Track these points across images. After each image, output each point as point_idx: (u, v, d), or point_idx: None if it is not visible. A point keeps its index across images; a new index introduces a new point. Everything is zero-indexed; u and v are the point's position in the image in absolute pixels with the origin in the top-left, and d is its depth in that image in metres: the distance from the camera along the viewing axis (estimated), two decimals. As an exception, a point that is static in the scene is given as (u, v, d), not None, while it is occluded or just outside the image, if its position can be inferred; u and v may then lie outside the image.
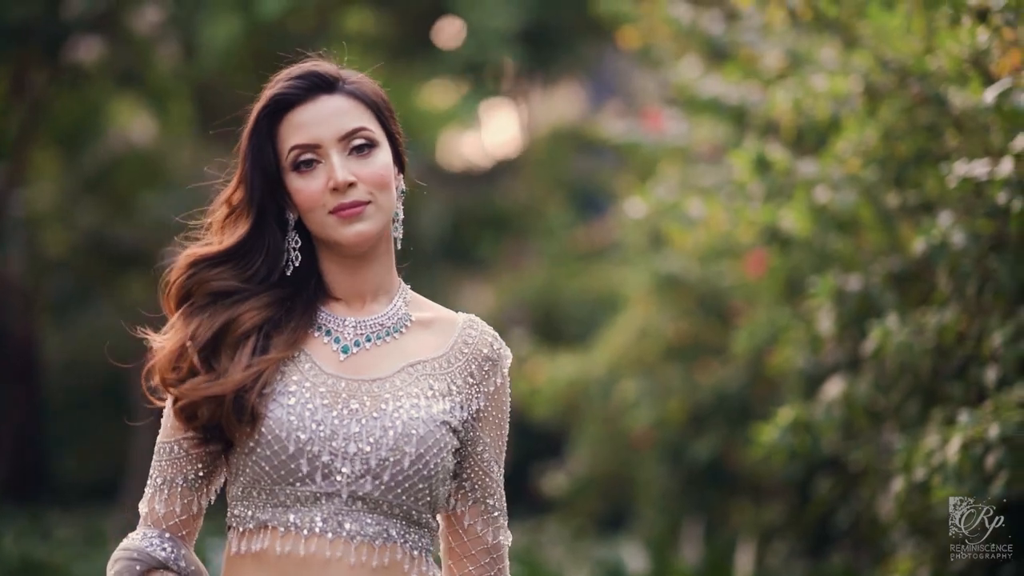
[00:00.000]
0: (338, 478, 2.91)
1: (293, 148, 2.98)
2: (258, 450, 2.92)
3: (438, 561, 3.08)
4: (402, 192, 3.08)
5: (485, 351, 3.06)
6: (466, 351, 3.05)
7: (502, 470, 3.10)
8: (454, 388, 3.01)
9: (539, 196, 14.89)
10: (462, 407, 3.01)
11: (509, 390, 3.11)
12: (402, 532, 2.95)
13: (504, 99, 13.74)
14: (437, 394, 2.99)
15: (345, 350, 3.01)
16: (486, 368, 3.05)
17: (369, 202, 2.98)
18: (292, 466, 2.91)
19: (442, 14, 11.90)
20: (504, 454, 3.10)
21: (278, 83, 3.01)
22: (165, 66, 13.05)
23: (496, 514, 3.08)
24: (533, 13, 12.24)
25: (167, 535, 3.02)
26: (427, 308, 3.11)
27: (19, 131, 13.12)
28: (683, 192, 7.26)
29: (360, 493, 2.91)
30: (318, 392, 2.94)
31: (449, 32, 12.39)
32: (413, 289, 3.13)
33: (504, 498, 3.10)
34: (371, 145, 3.00)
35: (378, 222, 2.99)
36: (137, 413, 12.90)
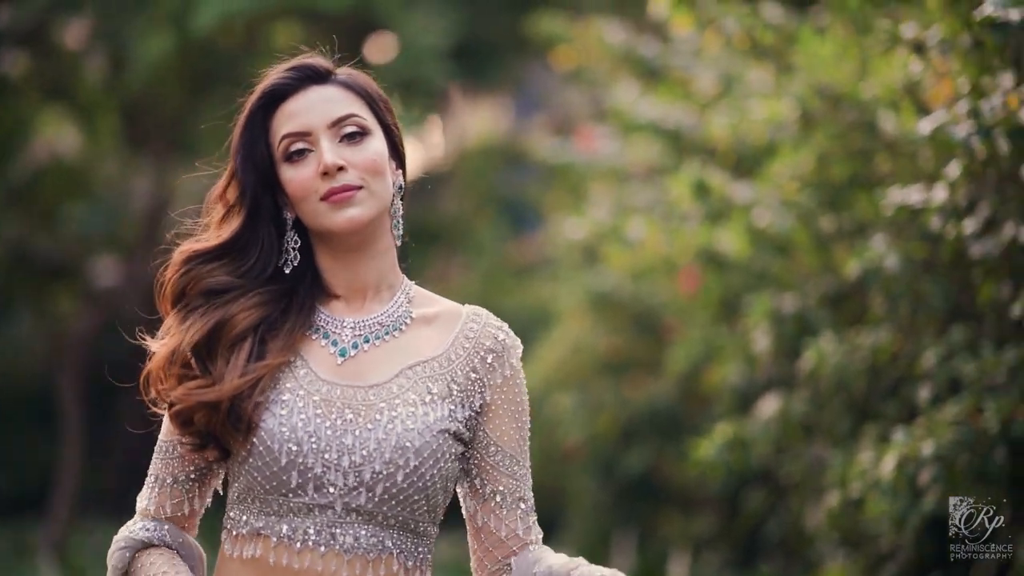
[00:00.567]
0: (331, 490, 2.86)
1: (284, 137, 2.94)
2: (251, 460, 2.88)
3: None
4: (401, 188, 3.03)
5: (488, 343, 2.98)
6: (468, 345, 2.98)
7: (525, 461, 3.01)
8: (454, 387, 2.94)
9: (468, 210, 14.95)
10: (463, 406, 2.94)
11: (523, 380, 3.02)
12: (398, 543, 2.90)
13: (433, 113, 13.78)
14: (436, 398, 2.92)
15: (343, 353, 2.95)
16: (490, 360, 2.97)
17: (361, 187, 2.92)
18: (284, 477, 2.86)
19: (373, 30, 11.95)
20: (526, 445, 3.01)
21: (270, 76, 2.98)
22: (94, 79, 13.01)
23: (509, 509, 2.98)
24: (465, 29, 12.32)
25: (151, 519, 3.00)
26: (432, 303, 3.04)
27: (-57, 143, 13.01)
28: (619, 212, 7.38)
29: (354, 505, 2.86)
30: (312, 401, 2.89)
31: (380, 48, 12.43)
32: None
33: (525, 491, 2.99)
34: (363, 133, 2.95)
35: (370, 208, 2.93)
36: (65, 425, 12.87)
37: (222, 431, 2.88)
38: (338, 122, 2.94)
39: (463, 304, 3.07)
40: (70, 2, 12.13)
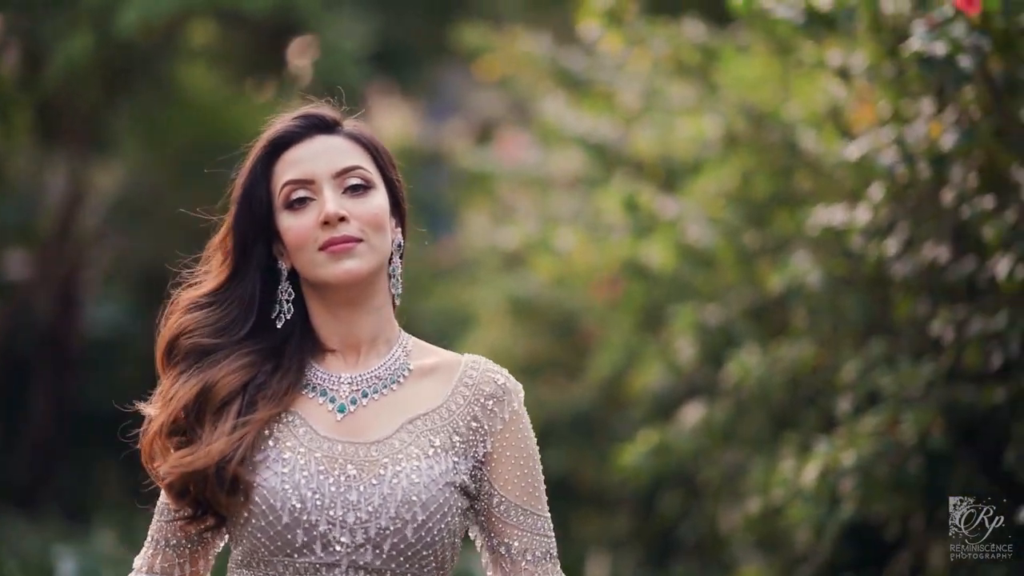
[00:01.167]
0: (337, 548, 2.79)
1: (286, 184, 2.89)
2: (252, 520, 2.81)
3: None
4: (400, 246, 2.97)
5: (487, 389, 2.90)
6: (467, 393, 2.90)
7: (536, 509, 2.90)
8: (456, 439, 2.87)
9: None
10: (466, 457, 2.87)
11: (527, 425, 2.94)
12: None
13: (352, 116, 13.80)
14: (439, 451, 2.85)
15: (341, 409, 2.88)
16: (490, 406, 2.90)
17: (361, 240, 2.85)
18: (288, 536, 2.79)
19: (294, 33, 11.97)
20: (537, 492, 2.91)
21: (277, 124, 2.94)
22: (9, 75, 12.94)
23: (514, 562, 2.89)
24: (385, 34, 12.38)
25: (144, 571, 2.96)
26: (430, 354, 2.96)
27: None
28: (544, 222, 7.51)
29: (361, 563, 2.79)
30: (313, 458, 2.82)
31: (301, 51, 12.44)
32: None
33: (534, 541, 2.89)
34: (367, 186, 2.89)
35: (369, 262, 2.86)
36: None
37: (212, 497, 2.80)
38: (343, 173, 2.90)
39: (462, 354, 2.98)
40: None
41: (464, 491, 2.88)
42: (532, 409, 9.09)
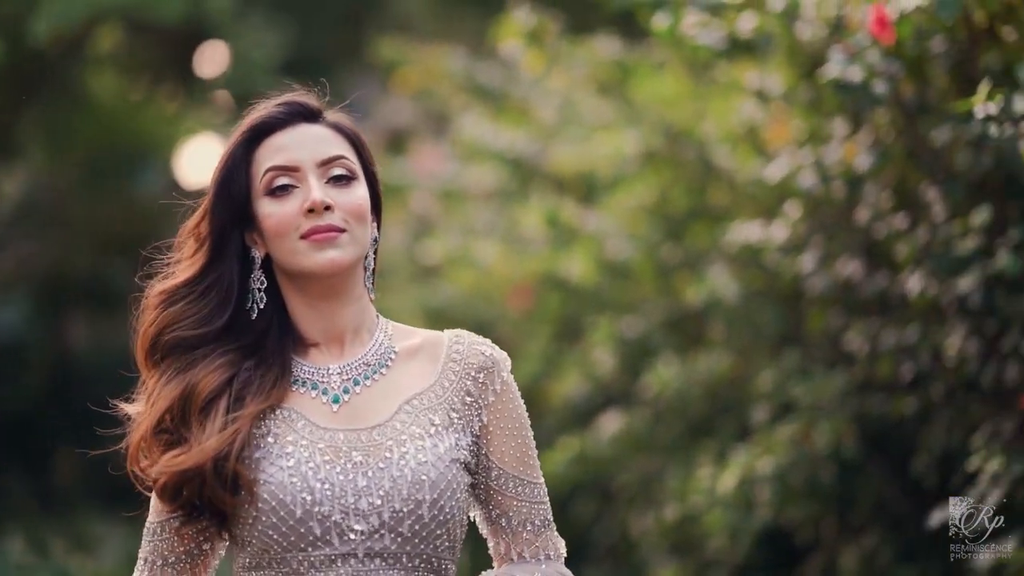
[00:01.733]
0: (352, 536, 2.75)
1: (269, 170, 2.84)
2: (262, 519, 2.76)
3: None
4: (375, 240, 2.91)
5: (476, 362, 2.88)
6: (457, 368, 2.88)
7: (532, 477, 2.90)
8: (454, 415, 2.86)
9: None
10: (465, 432, 2.86)
11: (517, 393, 2.92)
12: None
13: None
14: (440, 429, 2.84)
15: (336, 400, 2.85)
16: (481, 379, 2.88)
17: (344, 230, 2.81)
18: (302, 530, 2.75)
19: (204, 40, 11.94)
20: (531, 461, 2.91)
21: (259, 110, 2.89)
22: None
23: (515, 532, 2.89)
24: (296, 43, 12.39)
25: None
26: (412, 335, 2.92)
27: None
28: (463, 234, 7.59)
29: (377, 548, 2.76)
30: (317, 449, 2.78)
31: (211, 59, 12.43)
32: None
33: (532, 510, 2.89)
34: (350, 177, 2.85)
35: (352, 253, 2.82)
36: None
37: (212, 495, 2.75)
38: (328, 162, 2.84)
39: (442, 331, 2.94)
40: None
41: (467, 468, 2.87)
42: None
